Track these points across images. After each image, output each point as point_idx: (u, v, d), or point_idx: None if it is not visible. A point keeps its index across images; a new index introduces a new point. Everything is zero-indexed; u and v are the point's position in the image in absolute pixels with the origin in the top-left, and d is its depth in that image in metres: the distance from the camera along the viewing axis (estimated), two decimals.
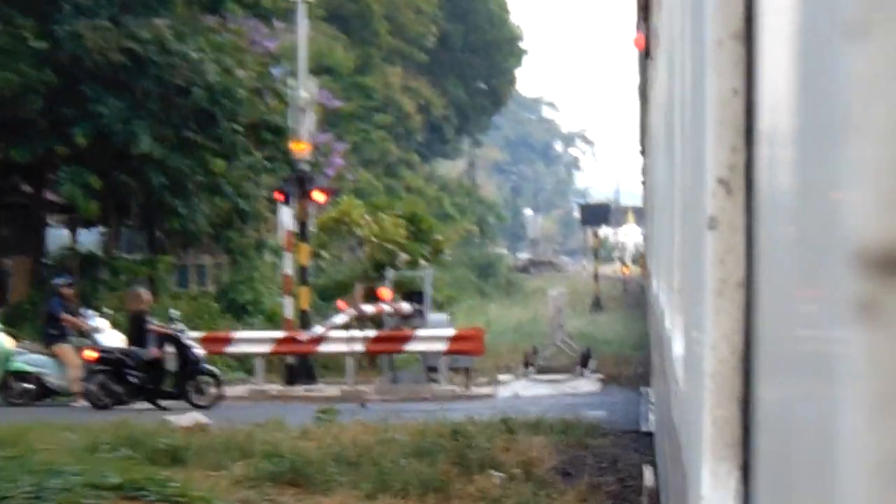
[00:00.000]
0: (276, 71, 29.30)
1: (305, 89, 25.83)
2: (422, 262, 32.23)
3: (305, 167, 25.91)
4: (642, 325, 29.44)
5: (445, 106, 74.96)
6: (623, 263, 71.65)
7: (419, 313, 24.52)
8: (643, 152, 27.57)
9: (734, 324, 2.73)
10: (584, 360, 24.99)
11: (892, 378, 1.09)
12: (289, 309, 25.70)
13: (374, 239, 32.55)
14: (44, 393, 21.60)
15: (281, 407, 20.05)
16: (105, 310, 23.50)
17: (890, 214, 1.09)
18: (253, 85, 30.33)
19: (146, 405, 20.56)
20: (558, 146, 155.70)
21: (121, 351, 21.00)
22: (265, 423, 16.47)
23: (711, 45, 2.81)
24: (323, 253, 34.50)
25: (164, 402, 20.60)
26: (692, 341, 3.92)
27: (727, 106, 2.76)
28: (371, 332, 23.74)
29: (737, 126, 2.73)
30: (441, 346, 23.01)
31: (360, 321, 22.94)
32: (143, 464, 13.26)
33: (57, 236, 34.95)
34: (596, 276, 51.31)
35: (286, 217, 27.02)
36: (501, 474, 13.14)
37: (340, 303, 24.24)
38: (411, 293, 25.81)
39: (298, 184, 25.49)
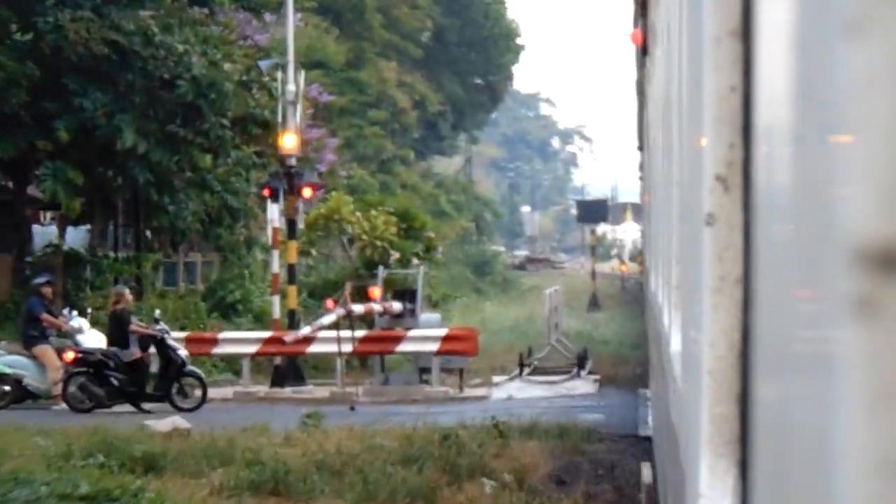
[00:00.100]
0: (262, 64, 28.66)
1: (294, 82, 25.32)
2: (414, 260, 31.76)
3: (294, 162, 25.35)
4: (640, 323, 29.10)
5: (441, 102, 74.65)
6: (621, 260, 71.53)
7: (411, 312, 23.97)
8: (641, 149, 27.47)
9: (732, 321, 2.76)
10: (581, 362, 24.64)
11: (890, 375, 1.11)
12: (277, 308, 25.18)
13: (364, 236, 32.06)
14: (23, 395, 21.09)
15: (267, 410, 19.75)
16: (86, 307, 23.06)
17: (887, 211, 1.11)
18: (240, 78, 29.77)
19: (128, 408, 20.07)
20: (556, 143, 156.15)
21: (101, 352, 20.50)
22: (249, 427, 16.19)
23: (709, 41, 2.85)
24: (312, 251, 33.99)
25: (146, 405, 20.11)
26: (690, 338, 3.96)
27: (725, 103, 2.80)
28: (361, 333, 23.21)
29: (735, 123, 2.77)
30: (433, 347, 22.47)
31: (350, 321, 22.38)
32: (118, 471, 13.01)
33: (46, 234, 34.40)
34: (593, 274, 51.12)
35: (275, 214, 26.58)
36: (493, 482, 12.93)
37: (329, 302, 23.66)
38: (404, 292, 25.27)
39: (287, 179, 24.91)
